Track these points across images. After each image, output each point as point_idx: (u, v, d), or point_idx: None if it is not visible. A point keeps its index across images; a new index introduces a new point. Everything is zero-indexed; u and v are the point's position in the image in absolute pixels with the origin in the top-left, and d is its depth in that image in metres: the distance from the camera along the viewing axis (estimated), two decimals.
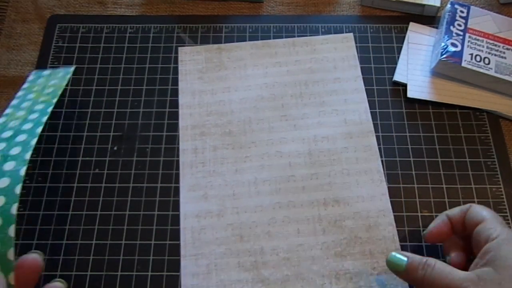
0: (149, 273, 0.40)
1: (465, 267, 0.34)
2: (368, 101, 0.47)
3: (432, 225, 0.38)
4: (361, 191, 0.43)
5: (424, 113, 0.47)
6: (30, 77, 0.46)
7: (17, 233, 0.41)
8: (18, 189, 0.33)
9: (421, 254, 0.40)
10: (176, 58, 0.50)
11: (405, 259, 0.35)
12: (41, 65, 0.50)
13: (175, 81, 0.49)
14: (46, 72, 0.46)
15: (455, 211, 0.37)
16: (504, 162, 0.45)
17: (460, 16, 0.49)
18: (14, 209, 0.32)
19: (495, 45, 0.47)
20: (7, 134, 0.38)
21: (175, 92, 0.48)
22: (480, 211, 0.35)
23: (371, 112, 0.47)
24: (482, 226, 0.34)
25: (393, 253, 0.36)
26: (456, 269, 0.33)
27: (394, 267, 0.36)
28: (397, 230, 0.41)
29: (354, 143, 0.45)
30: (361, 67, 0.49)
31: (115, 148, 0.46)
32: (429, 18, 0.52)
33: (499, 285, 0.31)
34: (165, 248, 0.41)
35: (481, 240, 0.34)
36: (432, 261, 0.34)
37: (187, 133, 0.46)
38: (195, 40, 0.51)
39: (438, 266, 0.33)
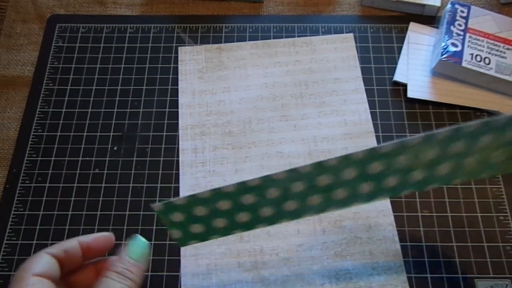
0: (149, 273, 0.40)
1: None
2: (368, 101, 0.47)
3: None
4: None
5: (424, 113, 0.47)
6: None
7: (17, 233, 0.42)
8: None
9: (421, 254, 0.41)
10: (176, 58, 0.50)
11: None
12: (41, 65, 0.50)
13: (175, 81, 0.49)
14: None
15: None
16: None
17: (461, 16, 0.49)
18: None
19: (496, 45, 0.47)
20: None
21: (175, 92, 0.48)
22: None
23: (371, 112, 0.47)
24: None
25: None
26: None
27: None
28: (397, 230, 0.41)
29: (354, 144, 0.45)
30: (361, 67, 0.49)
31: (115, 148, 0.46)
32: (429, 18, 0.52)
33: None
34: (165, 248, 0.41)
35: None
36: None
37: (187, 133, 0.46)
38: (195, 40, 0.51)
39: None
